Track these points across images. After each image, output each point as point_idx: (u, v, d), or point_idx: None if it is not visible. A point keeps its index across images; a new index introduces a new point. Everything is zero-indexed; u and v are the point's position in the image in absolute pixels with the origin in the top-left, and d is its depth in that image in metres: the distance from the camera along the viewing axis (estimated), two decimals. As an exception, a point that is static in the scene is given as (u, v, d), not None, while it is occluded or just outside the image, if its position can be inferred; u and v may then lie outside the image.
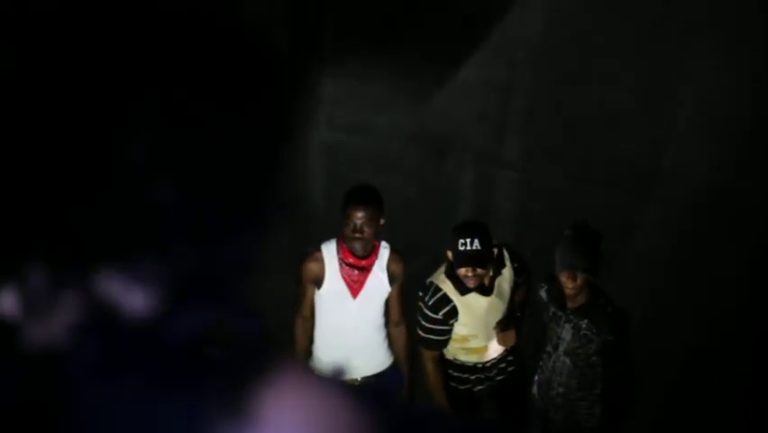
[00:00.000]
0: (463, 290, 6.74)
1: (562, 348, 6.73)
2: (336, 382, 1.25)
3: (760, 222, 8.51)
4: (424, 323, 6.83)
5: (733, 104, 9.10)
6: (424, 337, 6.88)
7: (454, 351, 6.98)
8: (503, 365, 7.07)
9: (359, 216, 6.68)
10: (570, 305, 6.65)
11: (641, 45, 9.30)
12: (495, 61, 9.49)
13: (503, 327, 6.91)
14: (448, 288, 6.77)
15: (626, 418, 6.91)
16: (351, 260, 6.80)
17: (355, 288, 6.85)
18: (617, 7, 9.30)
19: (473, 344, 6.95)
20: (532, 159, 9.24)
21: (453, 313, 6.78)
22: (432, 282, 6.81)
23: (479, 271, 6.65)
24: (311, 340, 6.98)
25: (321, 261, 6.84)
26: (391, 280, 6.89)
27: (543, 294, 6.79)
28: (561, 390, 6.81)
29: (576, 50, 9.38)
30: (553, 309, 6.73)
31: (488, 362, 7.03)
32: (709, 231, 8.67)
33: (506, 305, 6.89)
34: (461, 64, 9.51)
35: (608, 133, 9.18)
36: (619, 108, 9.23)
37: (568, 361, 6.73)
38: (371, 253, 6.84)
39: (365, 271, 6.84)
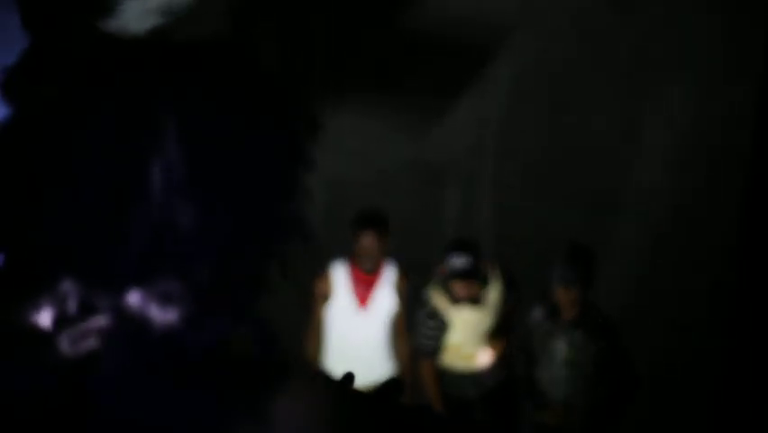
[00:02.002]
0: (456, 301, 6.76)
1: (559, 361, 6.71)
2: (344, 387, 1.25)
3: (725, 239, 8.51)
4: (420, 331, 6.84)
5: (700, 131, 9.12)
6: (420, 345, 6.89)
7: (449, 358, 6.98)
8: (494, 371, 7.06)
9: (368, 236, 6.73)
10: (564, 317, 6.65)
11: (618, 81, 9.32)
12: (485, 97, 9.51)
13: (493, 335, 6.92)
14: (442, 299, 6.78)
15: (620, 418, 6.91)
16: (359, 276, 6.83)
17: (363, 302, 6.87)
18: (597, 46, 9.33)
19: (466, 350, 6.96)
20: (517, 184, 9.25)
21: (447, 322, 6.80)
22: (427, 294, 6.83)
23: (470, 283, 6.67)
24: (321, 351, 6.98)
25: (332, 278, 6.86)
26: (396, 295, 6.90)
27: (536, 314, 6.77)
28: (560, 396, 6.78)
29: (558, 85, 9.40)
30: (546, 326, 6.71)
31: (480, 368, 7.03)
32: (678, 247, 8.68)
33: (495, 314, 6.89)
34: (455, 99, 9.52)
35: (588, 159, 9.19)
36: (598, 137, 9.25)
37: (566, 371, 6.71)
38: (379, 270, 6.86)
39: (373, 286, 6.86)
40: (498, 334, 6.93)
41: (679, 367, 7.96)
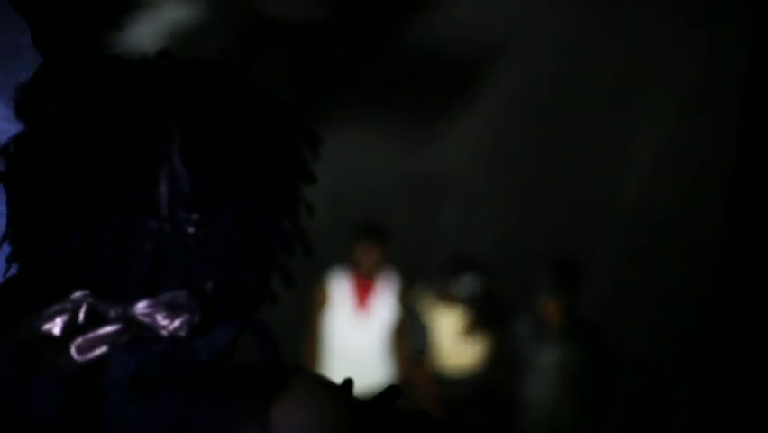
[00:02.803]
0: (442, 303, 6.84)
1: (547, 370, 6.72)
2: (344, 393, 1.25)
3: (706, 251, 8.54)
4: (412, 334, 6.91)
5: (684, 151, 9.17)
6: (411, 348, 6.95)
7: (440, 359, 7.02)
8: (484, 373, 7.09)
9: (366, 245, 6.83)
10: (552, 327, 6.67)
11: (607, 101, 9.36)
12: (480, 112, 9.53)
13: (472, 327, 6.97)
14: (428, 302, 6.86)
15: (603, 418, 6.93)
16: (359, 283, 6.89)
17: (362, 308, 6.92)
18: (586, 62, 9.36)
19: (454, 350, 7.00)
20: (511, 198, 9.27)
21: (432, 325, 6.88)
22: (414, 298, 6.91)
23: (471, 305, 6.78)
24: (321, 356, 7.00)
25: (332, 285, 6.91)
26: (397, 302, 6.96)
27: (521, 326, 6.79)
28: (551, 400, 6.79)
29: (549, 101, 9.43)
30: (534, 337, 6.73)
31: (470, 369, 7.06)
32: (661, 258, 8.70)
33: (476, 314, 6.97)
34: (452, 115, 9.55)
35: (579, 176, 9.22)
36: (588, 155, 9.28)
37: (554, 380, 6.72)
38: (378, 277, 6.92)
39: (372, 293, 6.92)
40: (477, 325, 6.97)
41: (666, 372, 7.97)
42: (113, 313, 1.22)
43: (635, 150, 9.34)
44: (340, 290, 6.90)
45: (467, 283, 6.72)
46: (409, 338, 6.91)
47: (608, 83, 9.41)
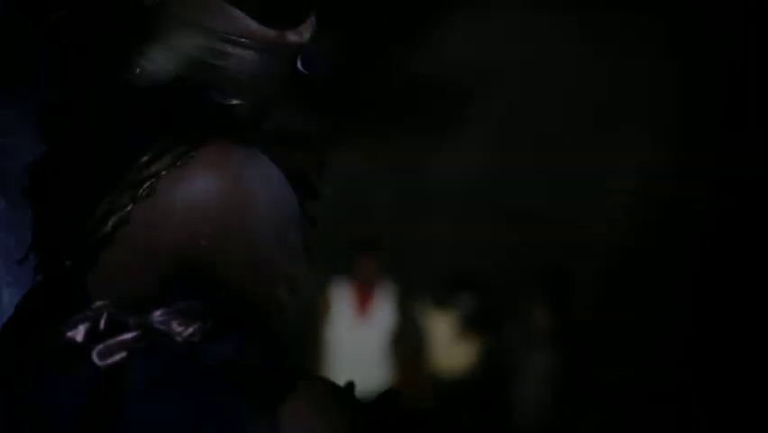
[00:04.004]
0: (438, 311, 6.87)
1: (538, 371, 6.71)
2: (346, 395, 1.26)
3: (676, 273, 8.56)
4: (409, 338, 6.93)
5: (662, 174, 9.18)
6: (411, 352, 6.97)
7: (436, 362, 7.03)
8: (479, 374, 7.09)
9: (366, 257, 6.87)
10: (543, 332, 6.67)
11: (584, 132, 9.38)
12: (472, 138, 9.56)
13: (463, 330, 7.00)
14: (425, 310, 6.89)
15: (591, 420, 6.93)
16: (359, 292, 6.92)
17: (362, 316, 6.94)
18: (568, 99, 9.40)
19: (450, 353, 7.01)
20: (500, 212, 9.27)
21: (429, 330, 6.91)
22: (415, 306, 6.94)
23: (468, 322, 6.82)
24: (324, 361, 7.01)
25: (334, 294, 6.94)
26: (394, 311, 6.98)
27: (513, 331, 6.79)
28: (542, 402, 6.78)
29: (534, 135, 9.46)
30: (524, 341, 6.73)
31: (464, 371, 7.07)
32: (634, 280, 8.72)
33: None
34: (445, 137, 9.57)
35: (558, 203, 9.22)
36: (566, 183, 9.29)
37: (545, 381, 6.71)
38: (378, 286, 6.95)
39: (372, 302, 6.94)
40: (471, 329, 6.99)
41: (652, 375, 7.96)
42: (131, 321, 1.22)
43: (618, 172, 9.34)
44: (342, 297, 6.93)
45: (465, 303, 6.77)
46: (407, 342, 6.91)
47: (593, 107, 9.43)
